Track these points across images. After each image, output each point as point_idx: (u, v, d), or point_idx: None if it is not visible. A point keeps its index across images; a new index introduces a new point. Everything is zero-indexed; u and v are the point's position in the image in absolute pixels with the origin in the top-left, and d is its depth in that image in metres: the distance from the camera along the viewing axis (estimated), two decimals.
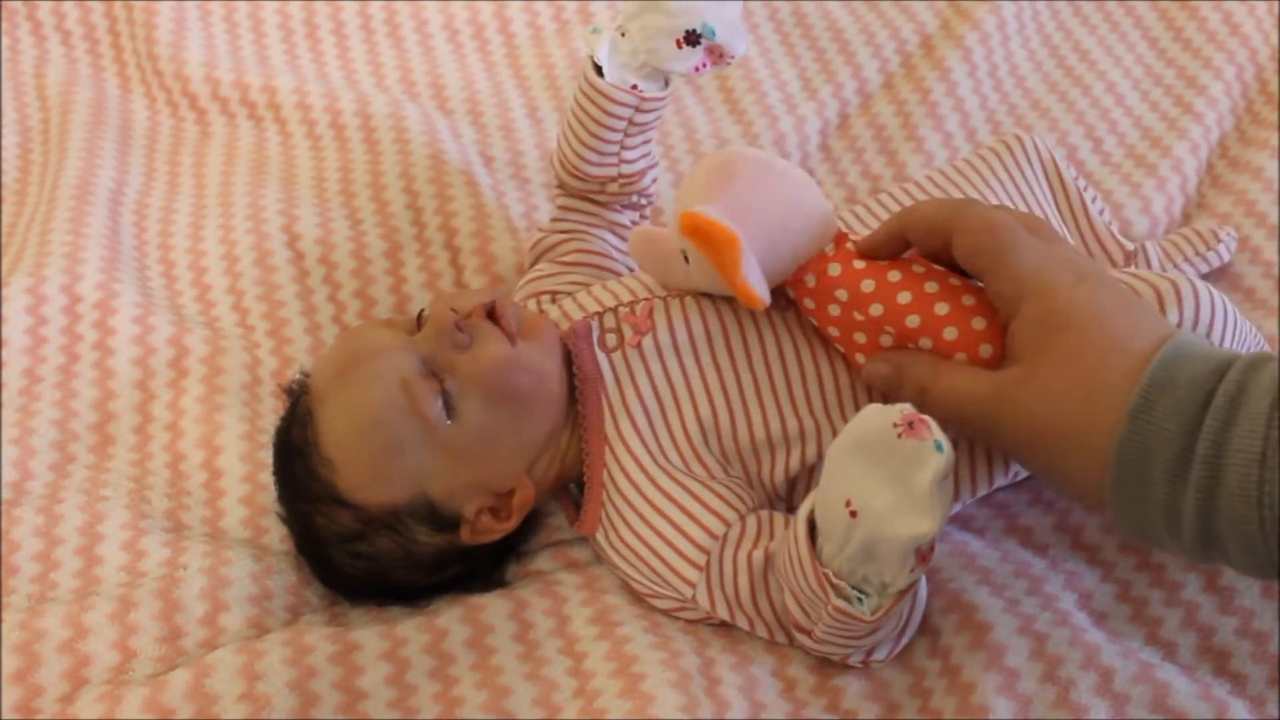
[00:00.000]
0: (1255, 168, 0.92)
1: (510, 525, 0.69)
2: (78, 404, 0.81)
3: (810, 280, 0.63)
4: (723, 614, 0.65)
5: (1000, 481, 0.72)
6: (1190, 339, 0.51)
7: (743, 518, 0.66)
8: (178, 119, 1.05)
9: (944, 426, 0.53)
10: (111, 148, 0.99)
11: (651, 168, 0.80)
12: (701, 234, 0.60)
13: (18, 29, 1.11)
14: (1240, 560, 0.47)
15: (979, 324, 0.59)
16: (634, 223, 0.82)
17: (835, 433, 0.68)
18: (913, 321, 0.60)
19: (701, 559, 0.65)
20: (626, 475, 0.68)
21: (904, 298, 0.61)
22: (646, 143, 0.78)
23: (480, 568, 0.72)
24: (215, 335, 0.84)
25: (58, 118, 1.02)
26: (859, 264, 0.62)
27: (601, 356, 0.71)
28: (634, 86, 0.72)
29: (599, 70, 0.73)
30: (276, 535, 0.74)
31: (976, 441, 0.58)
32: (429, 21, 1.10)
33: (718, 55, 0.71)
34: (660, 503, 0.66)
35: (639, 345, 0.70)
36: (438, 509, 0.68)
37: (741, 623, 0.66)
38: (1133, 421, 0.48)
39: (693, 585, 0.65)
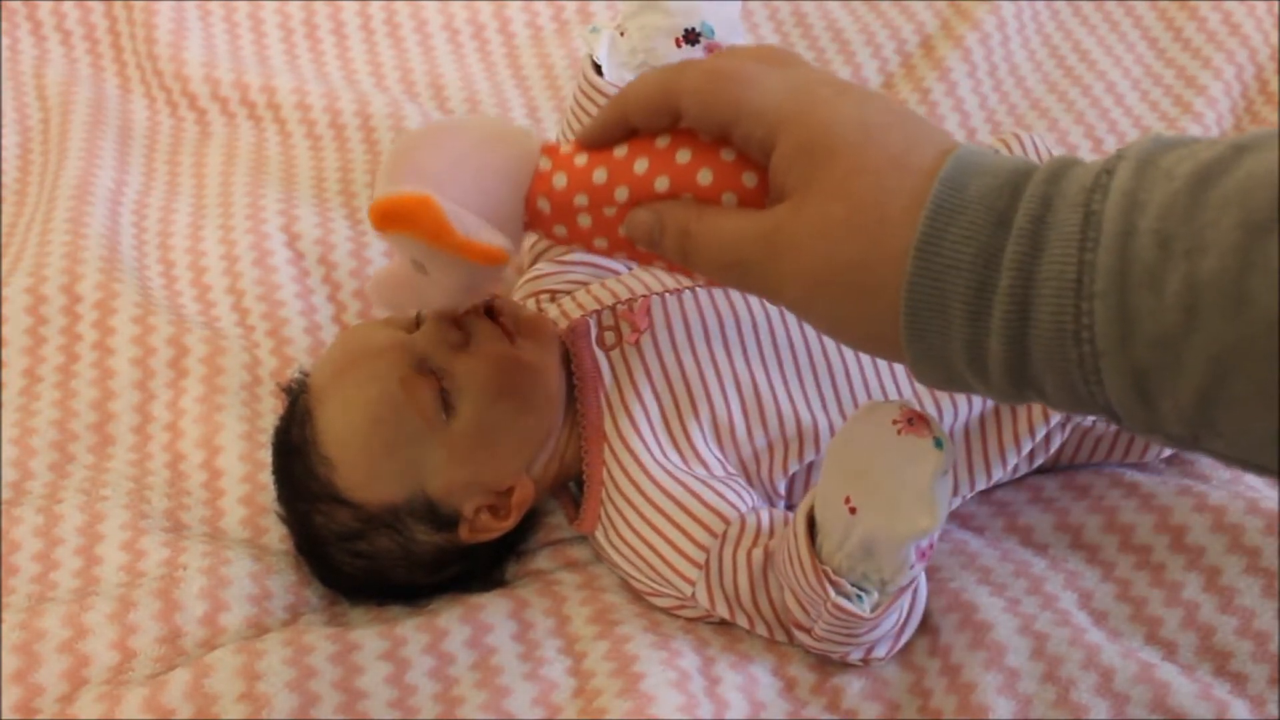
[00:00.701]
0: None
1: (509, 523, 0.69)
2: (77, 404, 0.81)
3: (544, 204, 0.55)
4: (722, 612, 0.65)
5: (1000, 478, 0.72)
6: (975, 150, 0.44)
7: (742, 516, 0.66)
8: (177, 119, 1.05)
9: (714, 273, 0.48)
10: (111, 148, 0.99)
11: None
12: (390, 216, 0.54)
13: (18, 29, 1.11)
14: (1059, 400, 0.41)
15: (730, 156, 0.50)
16: None
17: (835, 428, 0.68)
18: (661, 184, 0.51)
19: (701, 557, 0.65)
20: (626, 473, 0.68)
21: (641, 165, 0.52)
22: None
23: (479, 567, 0.72)
24: (215, 335, 0.84)
25: (58, 118, 1.02)
26: (581, 159, 0.54)
27: (600, 354, 0.71)
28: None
29: (598, 69, 0.73)
30: (276, 535, 0.74)
31: (755, 293, 0.49)
32: (429, 21, 1.10)
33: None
34: (660, 501, 0.66)
35: (637, 343, 0.70)
36: (437, 507, 0.68)
37: (741, 621, 0.66)
38: (920, 255, 0.41)
39: (692, 583, 0.65)
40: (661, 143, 0.52)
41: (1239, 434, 0.37)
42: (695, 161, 0.51)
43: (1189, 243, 0.36)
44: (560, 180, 0.54)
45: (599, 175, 0.53)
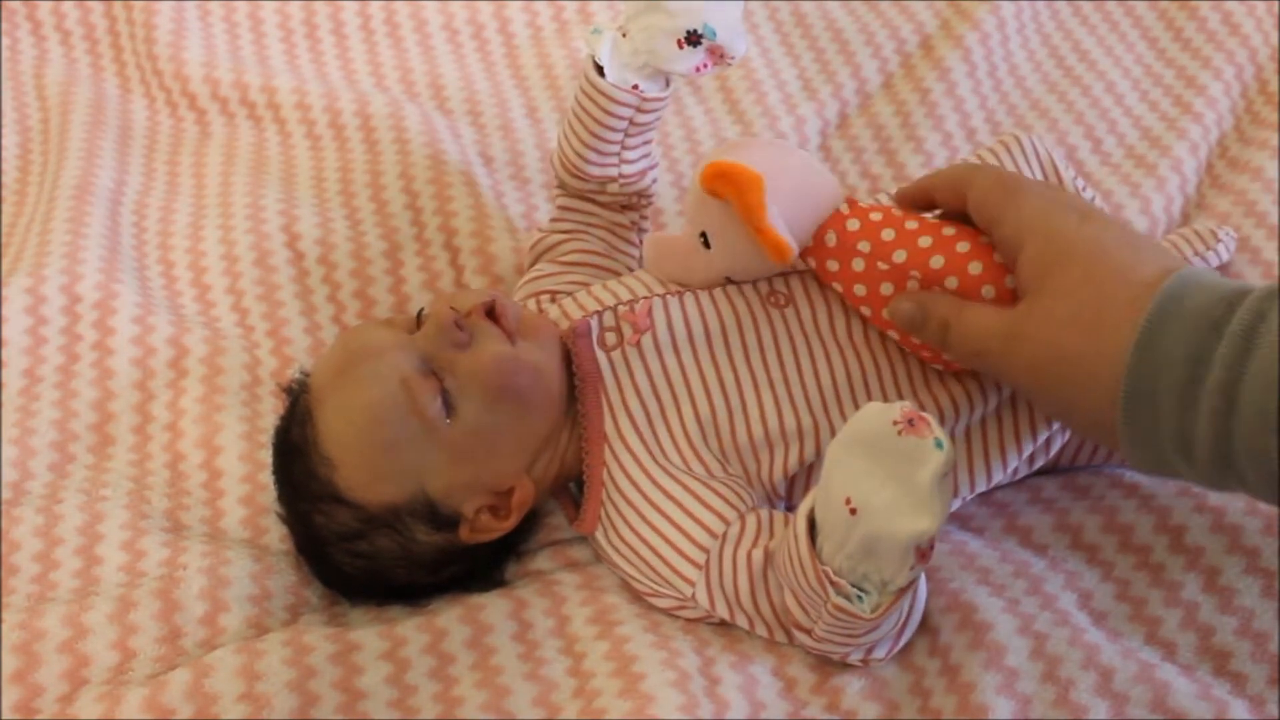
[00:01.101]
0: (1255, 168, 0.92)
1: (509, 524, 0.69)
2: (77, 404, 0.81)
3: (831, 239, 0.65)
4: (722, 613, 0.65)
5: (1000, 479, 0.72)
6: (1197, 271, 0.51)
7: (742, 516, 0.66)
8: (177, 119, 1.05)
9: (961, 360, 0.57)
10: (111, 148, 0.99)
11: (652, 168, 0.80)
12: (725, 177, 0.62)
13: (18, 29, 1.11)
14: (1260, 489, 0.46)
15: (1000, 258, 0.60)
16: (633, 222, 0.82)
17: (835, 430, 0.68)
18: (937, 262, 0.61)
19: (701, 557, 0.65)
20: (626, 474, 0.68)
21: (925, 241, 0.62)
22: (647, 143, 0.78)
23: (480, 567, 0.72)
24: (215, 335, 0.84)
25: (57, 118, 1.02)
26: (876, 215, 0.64)
27: (601, 355, 0.71)
28: (635, 86, 0.73)
29: (600, 70, 0.73)
30: (276, 535, 0.74)
31: (995, 379, 0.59)
32: (428, 22, 1.10)
33: (718, 55, 0.71)
34: (660, 501, 0.66)
35: (638, 344, 0.70)
36: (437, 507, 0.68)
37: (741, 621, 0.66)
38: (1139, 349, 0.48)
39: (692, 584, 0.65)
40: (948, 231, 0.62)
41: None
42: (971, 254, 0.61)
43: None
44: (853, 224, 0.65)
45: (887, 234, 0.63)
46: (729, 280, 0.70)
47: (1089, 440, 0.59)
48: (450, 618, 0.68)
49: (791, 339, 0.70)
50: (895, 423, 0.55)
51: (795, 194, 0.64)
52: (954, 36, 1.02)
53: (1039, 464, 0.74)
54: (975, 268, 0.60)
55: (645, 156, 0.79)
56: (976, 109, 0.99)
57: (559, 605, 0.69)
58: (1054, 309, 0.52)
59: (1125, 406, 0.48)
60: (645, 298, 0.72)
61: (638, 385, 0.69)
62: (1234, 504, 0.69)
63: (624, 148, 0.76)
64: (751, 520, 0.66)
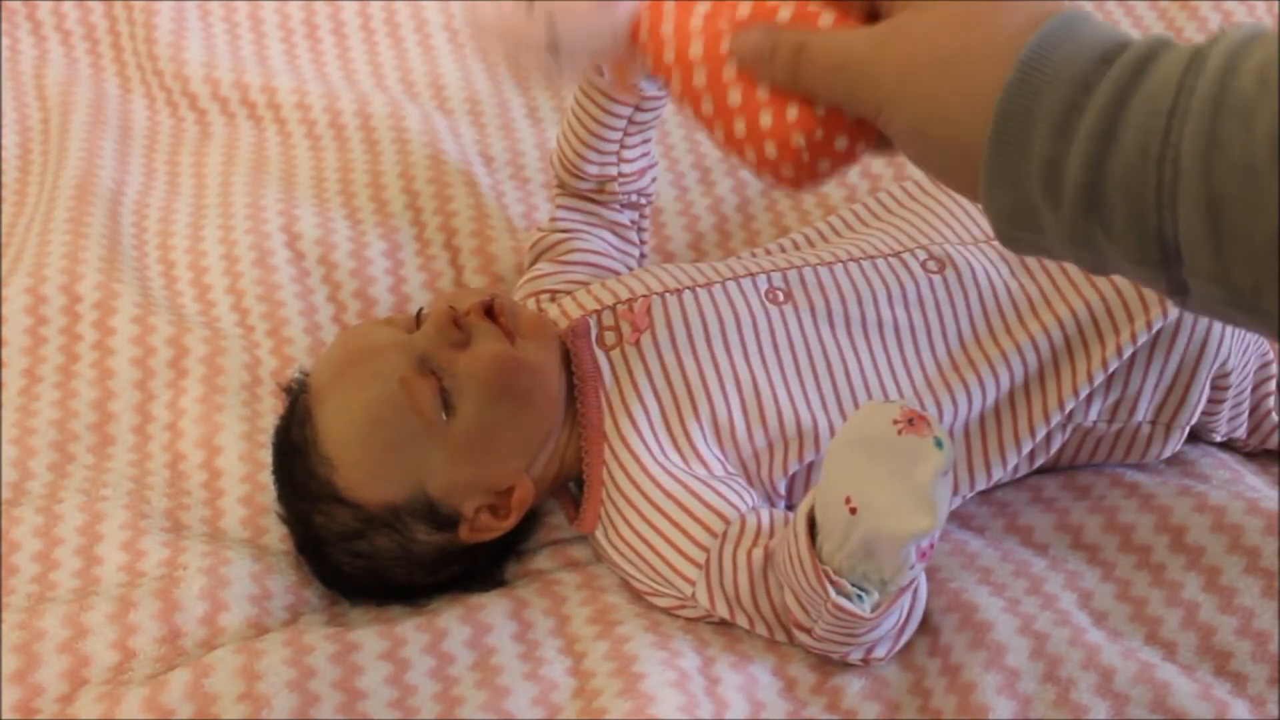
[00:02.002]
0: None
1: (509, 523, 0.69)
2: (77, 404, 0.81)
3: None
4: (722, 612, 0.65)
5: (1001, 477, 0.72)
6: (1088, 13, 0.45)
7: (742, 516, 0.66)
8: (177, 119, 1.05)
9: (821, 91, 0.49)
10: (111, 148, 0.99)
11: (651, 167, 0.80)
12: None
13: (18, 29, 1.11)
14: (1124, 238, 0.41)
15: (858, 11, 0.51)
16: (633, 222, 0.82)
17: (834, 428, 0.68)
18: (783, 15, 0.52)
19: (701, 557, 0.65)
20: (626, 473, 0.68)
21: None
22: (646, 142, 0.78)
23: (479, 567, 0.72)
24: (215, 335, 0.84)
25: (58, 118, 1.02)
26: None
27: (600, 354, 0.71)
28: (634, 85, 0.73)
29: (599, 70, 0.73)
30: (276, 535, 0.74)
31: (850, 95, 0.49)
32: (429, 21, 1.10)
33: None
34: (660, 501, 0.66)
35: (637, 342, 0.70)
36: (437, 507, 0.68)
37: (741, 621, 0.65)
38: (1023, 64, 0.42)
39: (692, 583, 0.65)
40: None
41: None
42: (821, 6, 0.51)
43: None
44: None
45: None
46: (552, 51, 0.59)
47: (939, 177, 0.51)
48: (450, 618, 0.68)
49: (790, 336, 0.70)
50: (895, 422, 0.55)
51: None
52: None
53: (1040, 461, 0.74)
54: (826, 19, 0.51)
55: (644, 156, 0.79)
56: None
57: (559, 605, 0.69)
58: (943, 10, 0.46)
59: (998, 122, 0.42)
60: (644, 296, 0.72)
61: (637, 384, 0.69)
62: (1234, 504, 0.69)
63: (623, 146, 0.76)
64: (751, 519, 0.65)
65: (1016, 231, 0.45)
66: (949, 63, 0.45)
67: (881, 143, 0.51)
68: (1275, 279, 0.37)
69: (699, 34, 0.54)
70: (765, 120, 0.53)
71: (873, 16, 0.50)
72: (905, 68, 0.46)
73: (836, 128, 0.51)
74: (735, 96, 0.53)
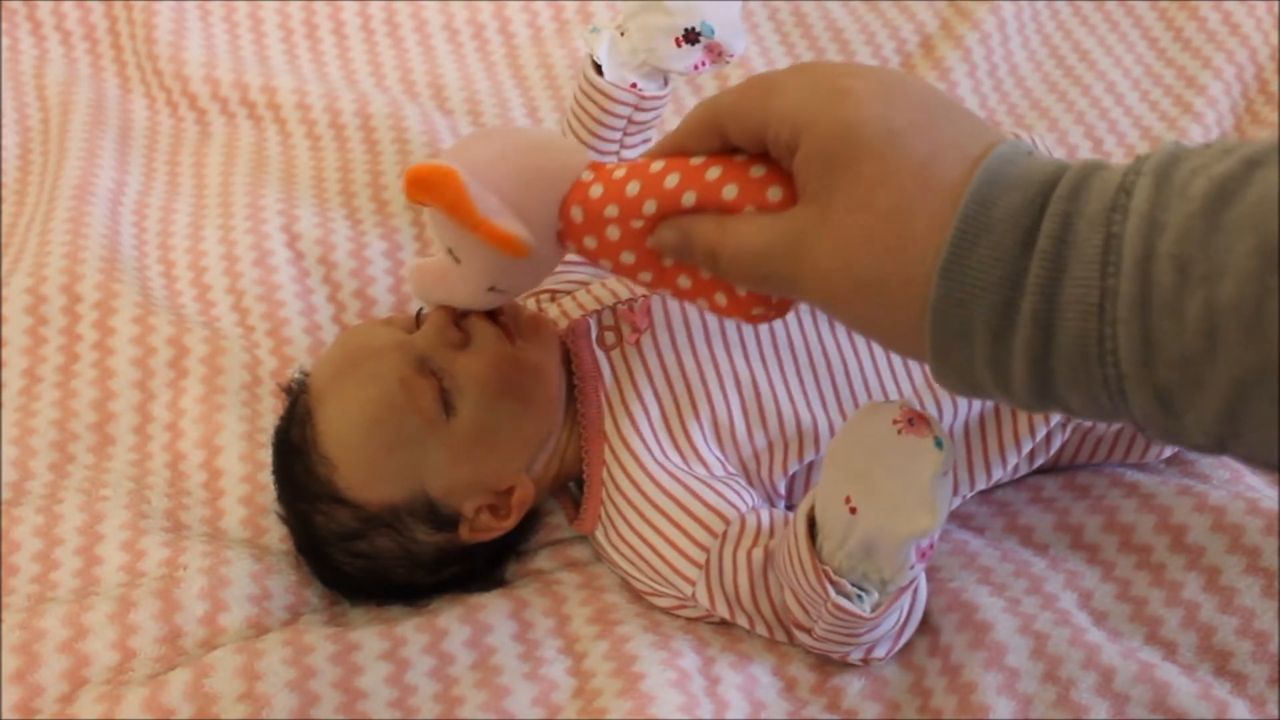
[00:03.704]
0: None
1: (509, 523, 0.69)
2: (77, 404, 0.81)
3: (577, 213, 0.56)
4: (722, 612, 0.65)
5: (1001, 476, 0.72)
6: (1007, 154, 0.43)
7: (742, 516, 0.66)
8: (178, 119, 1.05)
9: (745, 285, 0.49)
10: (111, 148, 0.99)
11: None
12: (418, 182, 0.55)
13: (18, 29, 1.11)
14: (1084, 413, 0.42)
15: (759, 171, 0.51)
16: None
17: (834, 428, 0.68)
18: (688, 199, 0.52)
19: (701, 557, 0.65)
20: (626, 473, 0.68)
21: (671, 180, 0.53)
22: (646, 141, 0.78)
23: (479, 567, 0.72)
24: (215, 335, 0.84)
25: (58, 118, 1.02)
26: (619, 173, 0.56)
27: (600, 354, 0.71)
28: (633, 85, 0.73)
29: (599, 69, 0.73)
30: (276, 535, 0.74)
31: (780, 296, 0.49)
32: (429, 21, 1.10)
33: (717, 54, 0.71)
34: (660, 501, 0.66)
35: (637, 343, 0.70)
36: (437, 507, 0.68)
37: (741, 621, 0.66)
38: (945, 279, 0.41)
39: (692, 583, 0.65)
40: (696, 160, 0.53)
41: (1263, 445, 0.38)
42: (723, 178, 0.51)
43: (1206, 268, 0.36)
44: (596, 190, 0.56)
45: (632, 188, 0.54)
46: (497, 291, 0.62)
47: (903, 356, 0.50)
48: (450, 618, 0.68)
49: (790, 336, 0.70)
50: (895, 421, 0.55)
51: (521, 177, 0.56)
52: (954, 36, 1.02)
53: (1040, 461, 0.74)
54: (730, 191, 0.51)
55: None
56: (977, 109, 0.99)
57: (559, 605, 0.69)
58: (846, 224, 0.44)
59: (934, 339, 0.42)
60: (644, 296, 0.72)
61: (637, 384, 0.69)
62: (1234, 504, 0.69)
63: (623, 146, 0.76)
64: (751, 519, 0.65)
65: (974, 398, 0.46)
66: (867, 286, 0.44)
67: None
68: (1235, 439, 0.38)
69: (622, 240, 0.55)
70: (720, 300, 0.55)
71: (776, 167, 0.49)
72: (825, 289, 0.45)
73: None
74: (684, 281, 0.55)
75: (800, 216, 0.46)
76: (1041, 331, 0.40)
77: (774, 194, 0.50)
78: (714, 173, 0.52)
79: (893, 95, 0.45)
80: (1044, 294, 0.39)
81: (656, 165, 0.54)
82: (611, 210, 0.55)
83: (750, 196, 0.51)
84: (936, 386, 0.69)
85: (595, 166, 0.58)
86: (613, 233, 0.55)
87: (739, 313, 0.55)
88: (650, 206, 0.54)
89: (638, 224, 0.54)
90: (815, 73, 0.47)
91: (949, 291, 0.41)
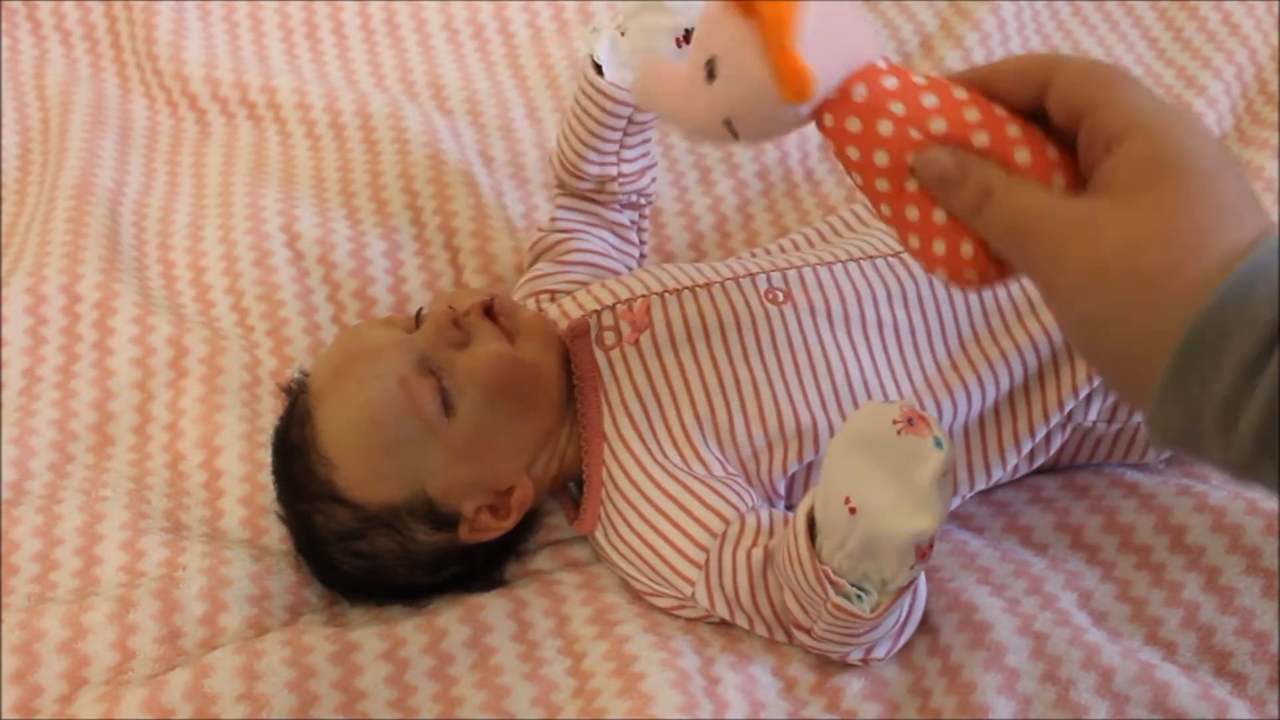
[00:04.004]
0: (1255, 168, 0.92)
1: (509, 523, 0.69)
2: (77, 404, 0.81)
3: (860, 91, 0.53)
4: (722, 612, 0.65)
5: (1000, 477, 0.72)
6: None
7: (742, 516, 0.66)
8: (177, 119, 1.05)
9: (998, 242, 0.48)
10: (111, 148, 0.99)
11: (651, 167, 0.80)
12: None
13: (18, 29, 1.11)
14: None
15: (1053, 153, 0.50)
16: (633, 222, 0.82)
17: (834, 428, 0.68)
18: (980, 139, 0.51)
19: (701, 557, 0.65)
20: (625, 473, 0.68)
21: (971, 115, 0.51)
22: (646, 142, 0.78)
23: (479, 567, 0.72)
24: (215, 335, 0.84)
25: (57, 118, 1.02)
26: (919, 79, 0.53)
27: (600, 354, 0.71)
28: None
29: (599, 69, 0.73)
30: (276, 535, 0.74)
31: (1024, 263, 0.48)
32: (428, 21, 1.10)
33: None
34: (659, 501, 0.66)
35: (636, 342, 0.70)
36: (436, 507, 0.68)
37: (741, 621, 0.65)
38: (1224, 297, 0.41)
39: (692, 583, 0.65)
40: (1000, 111, 0.51)
41: None
42: (1021, 140, 0.50)
43: None
44: (890, 81, 0.52)
45: (929, 99, 0.52)
46: (729, 128, 0.55)
47: (1096, 370, 0.49)
48: (450, 618, 0.68)
49: (790, 336, 0.70)
50: (895, 422, 0.55)
51: (828, 32, 0.52)
52: (954, 37, 1.02)
53: (1039, 461, 0.74)
54: (1023, 156, 0.50)
55: (644, 156, 0.79)
56: None
57: (559, 605, 0.69)
58: (1150, 219, 0.44)
59: (1182, 354, 0.42)
60: (644, 296, 0.72)
61: (636, 384, 0.69)
62: (1234, 504, 0.69)
63: (623, 146, 0.76)
64: (751, 520, 0.65)
65: (1176, 450, 0.45)
66: (1142, 277, 0.44)
67: None
68: None
69: (889, 140, 0.52)
70: (939, 248, 0.52)
71: (1070, 153, 0.49)
72: (1092, 266, 0.45)
73: (1011, 266, 0.50)
74: (913, 212, 0.53)
75: (1092, 202, 0.46)
76: None
77: (1058, 180, 0.50)
78: (1013, 130, 0.50)
79: (1221, 145, 0.48)
80: None
81: (960, 92, 0.52)
82: (897, 107, 0.52)
83: (1038, 171, 0.50)
84: (936, 387, 0.70)
85: (890, 62, 0.54)
86: (885, 128, 0.52)
87: (949, 268, 0.52)
88: (939, 125, 0.51)
89: (915, 134, 0.52)
90: (1161, 98, 0.49)
91: (1222, 310, 0.41)
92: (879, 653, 0.63)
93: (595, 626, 0.66)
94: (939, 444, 0.54)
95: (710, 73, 0.54)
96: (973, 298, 0.72)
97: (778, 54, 0.51)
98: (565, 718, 0.61)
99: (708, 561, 0.65)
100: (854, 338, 0.70)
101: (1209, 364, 0.41)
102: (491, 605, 0.69)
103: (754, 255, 0.81)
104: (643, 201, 0.82)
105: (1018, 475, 0.75)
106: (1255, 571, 0.66)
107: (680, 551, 0.65)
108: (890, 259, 0.73)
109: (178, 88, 1.05)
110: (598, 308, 0.73)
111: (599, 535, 0.69)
